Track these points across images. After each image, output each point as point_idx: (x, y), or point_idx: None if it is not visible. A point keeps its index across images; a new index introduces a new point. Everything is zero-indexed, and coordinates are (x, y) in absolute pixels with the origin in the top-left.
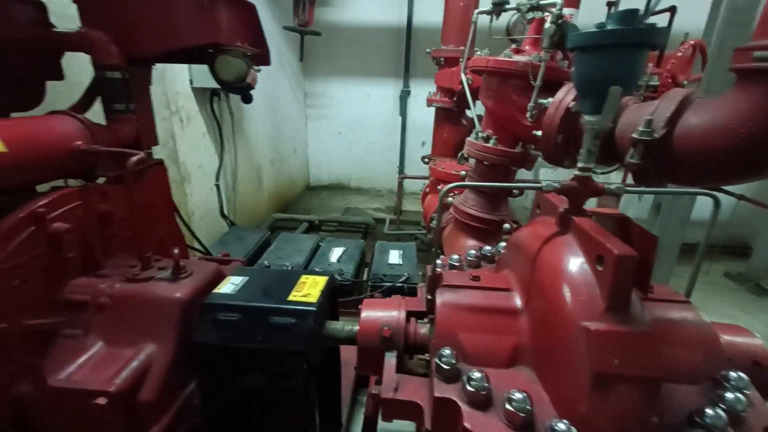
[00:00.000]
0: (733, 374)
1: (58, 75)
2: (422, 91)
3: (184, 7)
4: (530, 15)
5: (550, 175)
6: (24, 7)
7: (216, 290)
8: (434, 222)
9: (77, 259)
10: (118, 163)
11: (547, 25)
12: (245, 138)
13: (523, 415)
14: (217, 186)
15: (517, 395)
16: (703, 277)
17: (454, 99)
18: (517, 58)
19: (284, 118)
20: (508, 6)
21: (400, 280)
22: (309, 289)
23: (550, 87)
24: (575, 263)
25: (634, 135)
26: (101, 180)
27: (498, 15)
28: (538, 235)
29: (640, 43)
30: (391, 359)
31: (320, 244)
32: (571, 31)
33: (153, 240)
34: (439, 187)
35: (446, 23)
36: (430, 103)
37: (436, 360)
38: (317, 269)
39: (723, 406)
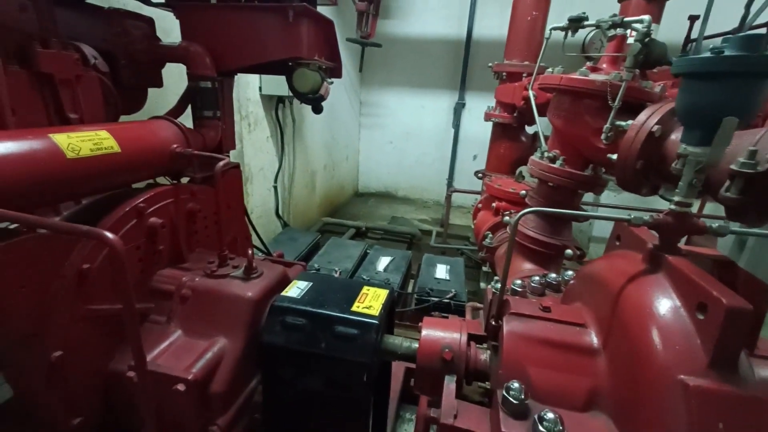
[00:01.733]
0: None
1: (159, 83)
2: (477, 104)
3: (272, 25)
4: (611, 32)
5: (613, 198)
6: (139, 23)
7: (284, 293)
8: (488, 240)
9: (166, 252)
10: (205, 164)
11: (631, 41)
12: (303, 143)
13: None
14: (275, 188)
15: None
16: None
17: (515, 115)
18: (593, 76)
19: (339, 126)
20: (586, 23)
21: (447, 296)
22: (371, 301)
23: (630, 109)
24: (669, 307)
25: (734, 166)
26: (184, 179)
27: (574, 32)
28: (620, 271)
29: (766, 72)
30: (450, 383)
31: (368, 251)
32: (658, 49)
33: (228, 238)
34: (494, 204)
35: (511, 37)
36: (488, 117)
37: (503, 393)
38: (364, 276)
39: None
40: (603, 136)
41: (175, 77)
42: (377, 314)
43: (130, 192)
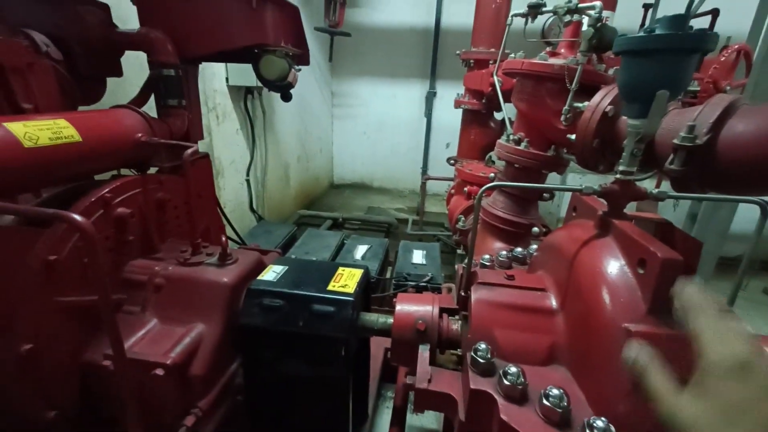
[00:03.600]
0: None
1: (118, 72)
2: (448, 92)
3: (235, 10)
4: (567, 18)
5: (579, 180)
6: (92, 8)
7: (260, 277)
8: (460, 223)
9: (137, 242)
10: (172, 154)
11: (584, 28)
12: (275, 136)
13: (559, 410)
14: (248, 181)
15: (555, 391)
16: (740, 293)
17: (483, 101)
18: (552, 61)
19: (311, 118)
20: (544, 9)
21: (424, 279)
22: (346, 281)
23: (586, 91)
24: (615, 266)
25: (676, 141)
26: (153, 170)
27: (534, 18)
28: (575, 238)
29: (691, 48)
30: (424, 352)
31: (345, 241)
32: (610, 34)
33: (201, 227)
34: (465, 189)
35: (477, 25)
36: (458, 104)
37: (472, 354)
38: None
39: None
40: (562, 118)
41: (136, 68)
42: (352, 292)
43: (93, 183)
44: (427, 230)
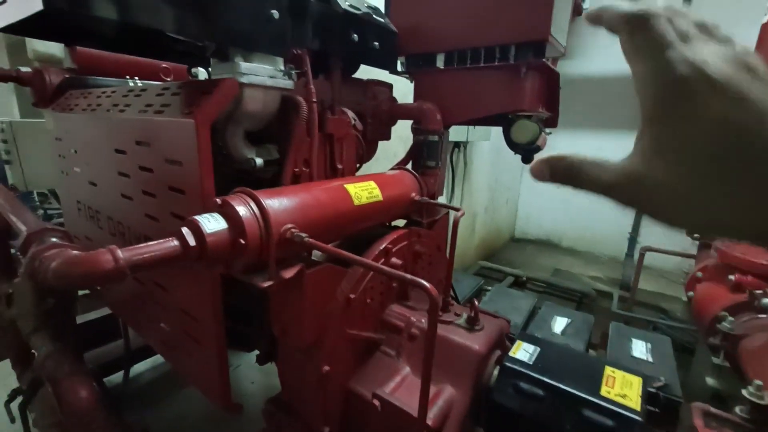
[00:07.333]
0: None
1: (388, 137)
2: None
3: (500, 82)
4: None
5: None
6: (383, 88)
7: (512, 354)
8: (726, 323)
9: (396, 289)
10: (430, 210)
11: None
12: (470, 185)
13: None
14: None
15: None
16: None
17: None
18: None
19: (503, 168)
20: None
21: (654, 384)
22: (623, 388)
23: None
24: None
25: None
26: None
27: None
28: None
29: None
30: None
31: (538, 306)
32: None
33: (436, 280)
34: (731, 277)
35: None
36: None
37: None
38: (537, 334)
39: None
40: None
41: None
42: (639, 409)
43: (375, 234)
44: (639, 313)
